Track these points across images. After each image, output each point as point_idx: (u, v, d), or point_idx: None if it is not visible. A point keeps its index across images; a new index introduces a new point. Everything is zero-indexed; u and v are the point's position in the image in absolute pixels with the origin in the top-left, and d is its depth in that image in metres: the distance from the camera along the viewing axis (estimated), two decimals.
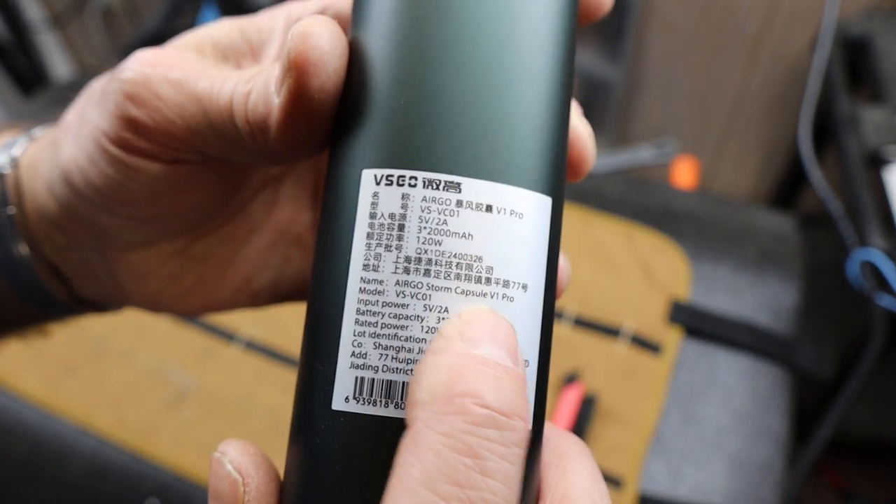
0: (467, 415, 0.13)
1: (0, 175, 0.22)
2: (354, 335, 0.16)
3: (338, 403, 0.16)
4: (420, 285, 0.16)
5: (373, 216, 0.16)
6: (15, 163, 0.23)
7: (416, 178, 0.16)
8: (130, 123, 0.19)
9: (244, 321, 0.59)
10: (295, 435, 0.17)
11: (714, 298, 0.60)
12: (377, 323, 0.16)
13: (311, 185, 0.25)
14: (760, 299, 0.60)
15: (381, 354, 0.16)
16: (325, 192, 0.17)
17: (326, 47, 0.16)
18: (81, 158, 0.20)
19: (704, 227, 0.65)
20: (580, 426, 0.52)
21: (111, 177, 0.19)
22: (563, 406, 0.52)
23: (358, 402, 0.16)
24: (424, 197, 0.16)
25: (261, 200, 0.24)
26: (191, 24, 1.04)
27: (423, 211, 0.16)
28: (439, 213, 0.16)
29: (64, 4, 1.27)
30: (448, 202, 0.16)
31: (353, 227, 0.16)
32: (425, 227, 0.16)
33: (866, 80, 0.79)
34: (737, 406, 0.54)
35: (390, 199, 0.16)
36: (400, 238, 0.16)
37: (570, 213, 0.65)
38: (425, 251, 0.16)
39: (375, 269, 0.16)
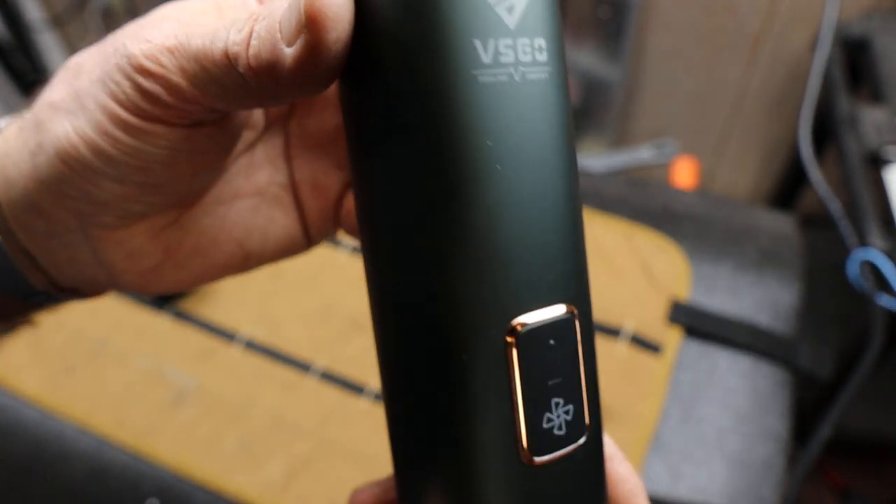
0: None
1: None
2: None
3: None
4: None
5: None
6: None
7: None
8: (144, 94, 0.19)
9: (244, 321, 0.59)
10: None
11: (714, 298, 0.60)
12: None
13: (282, 147, 0.26)
14: (760, 299, 0.60)
15: None
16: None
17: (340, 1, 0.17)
18: (90, 131, 0.20)
19: (704, 227, 0.65)
20: None
21: (130, 144, 0.20)
22: None
23: None
24: None
25: (239, 166, 0.25)
26: None
27: None
28: None
29: (64, 4, 1.27)
30: None
31: None
32: None
33: (866, 80, 0.79)
34: (737, 406, 0.54)
35: None
36: None
37: None
38: None
39: None
